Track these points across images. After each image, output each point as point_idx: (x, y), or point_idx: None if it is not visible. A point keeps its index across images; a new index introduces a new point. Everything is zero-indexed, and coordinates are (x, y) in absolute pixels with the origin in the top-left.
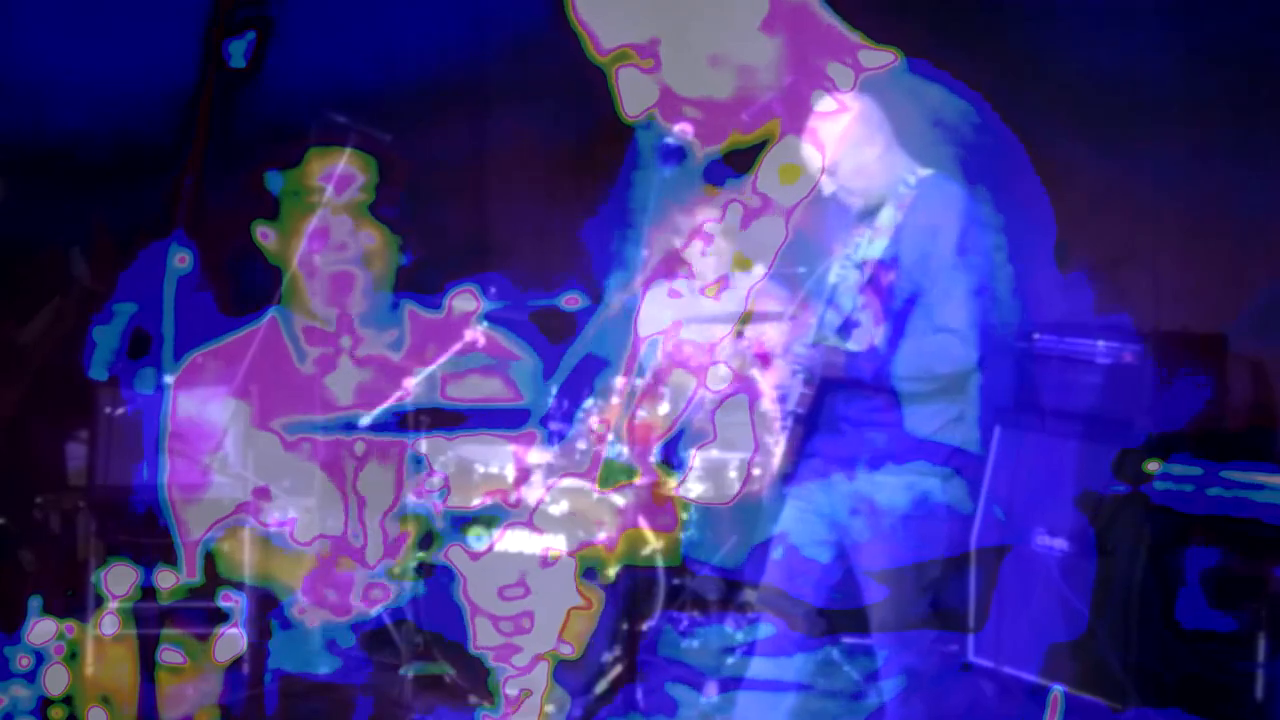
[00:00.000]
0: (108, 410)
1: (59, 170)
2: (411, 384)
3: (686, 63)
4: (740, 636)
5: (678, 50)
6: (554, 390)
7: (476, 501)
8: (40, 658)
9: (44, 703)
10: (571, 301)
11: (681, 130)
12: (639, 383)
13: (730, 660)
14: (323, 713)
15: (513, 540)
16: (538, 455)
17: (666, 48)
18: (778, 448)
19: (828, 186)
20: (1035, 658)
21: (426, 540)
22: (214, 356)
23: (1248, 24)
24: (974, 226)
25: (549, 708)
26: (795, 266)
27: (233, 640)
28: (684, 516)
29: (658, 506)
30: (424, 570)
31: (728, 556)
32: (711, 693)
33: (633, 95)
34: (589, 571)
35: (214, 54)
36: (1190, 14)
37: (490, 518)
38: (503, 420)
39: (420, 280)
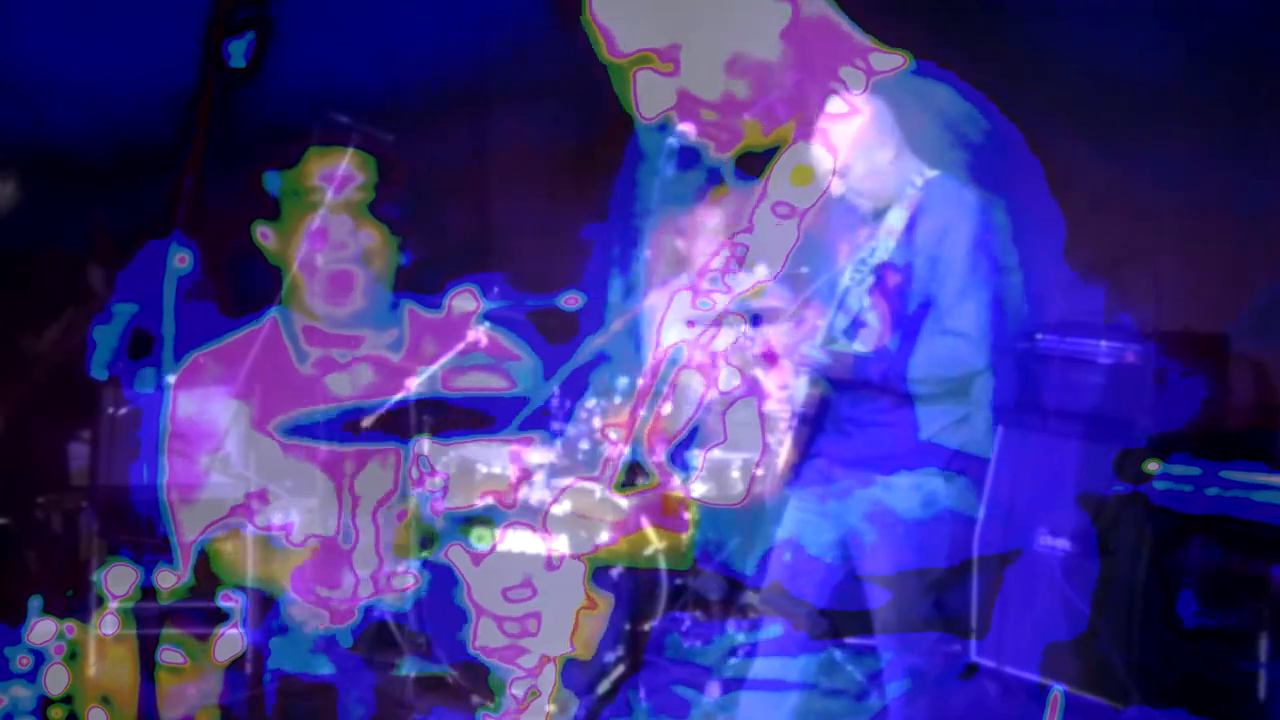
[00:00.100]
0: (109, 410)
1: (59, 170)
2: (414, 383)
3: (706, 67)
4: (744, 637)
5: (698, 55)
6: (556, 390)
7: (474, 502)
8: (40, 658)
9: (44, 703)
10: (571, 301)
11: (685, 130)
12: (659, 389)
13: (734, 660)
14: (323, 713)
15: (517, 541)
16: (540, 455)
17: (687, 52)
18: (783, 448)
19: (838, 188)
20: (1038, 658)
21: (426, 541)
22: (214, 356)
23: (1248, 24)
24: (982, 228)
25: (552, 708)
26: (799, 266)
27: (233, 640)
28: (694, 518)
29: (669, 509)
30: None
31: (733, 557)
32: (714, 693)
33: (650, 98)
34: (598, 574)
35: (214, 54)
36: (1191, 14)
37: (487, 518)
38: (501, 410)
39: (420, 280)
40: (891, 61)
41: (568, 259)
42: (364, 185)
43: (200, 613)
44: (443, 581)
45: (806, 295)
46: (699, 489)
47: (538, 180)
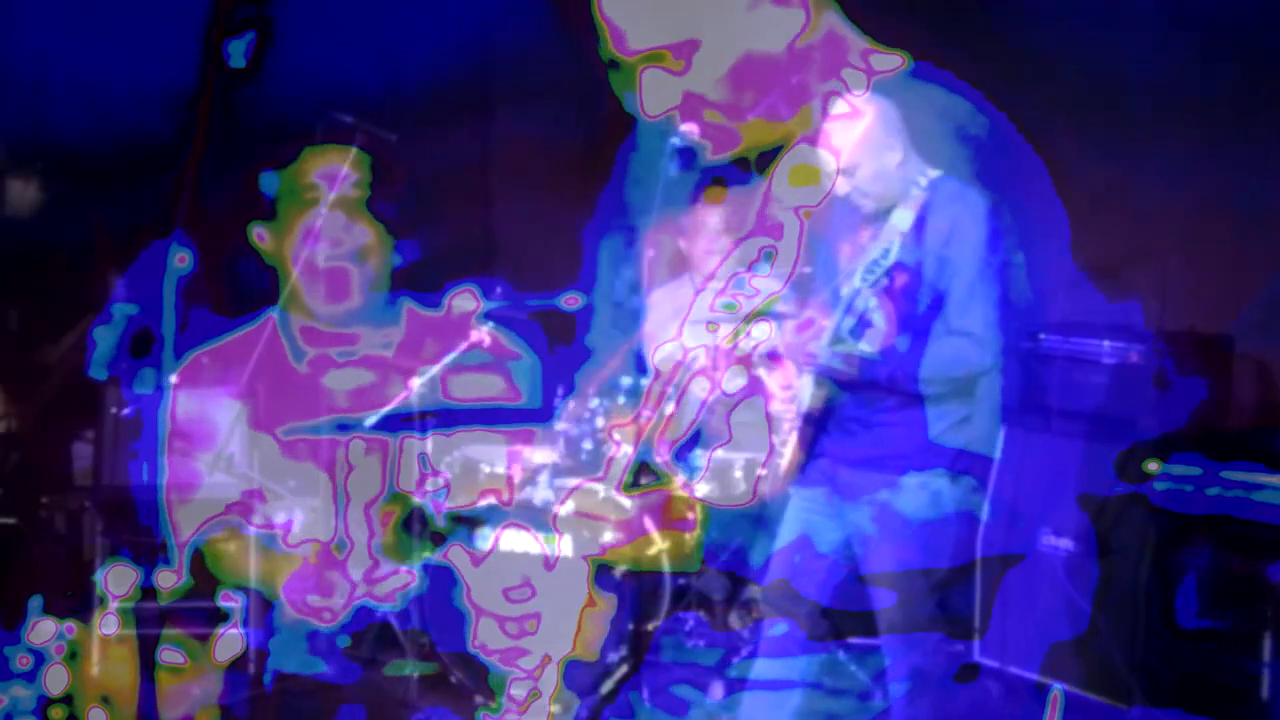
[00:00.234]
0: (112, 410)
1: (59, 170)
2: (416, 383)
3: (714, 67)
4: (747, 636)
5: (707, 55)
6: (561, 391)
7: (468, 502)
8: (40, 658)
9: (44, 703)
10: (571, 301)
11: (689, 130)
12: (671, 394)
13: (737, 660)
14: (323, 713)
15: (517, 541)
16: (543, 455)
17: (701, 52)
18: (789, 448)
19: (843, 187)
20: (1040, 658)
21: (431, 540)
22: (215, 356)
23: (1251, 24)
24: (988, 228)
25: (555, 708)
26: (803, 266)
27: (233, 640)
28: (700, 519)
29: (674, 510)
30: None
31: (738, 557)
32: (718, 693)
33: (655, 96)
34: (601, 575)
35: (214, 54)
36: (1193, 14)
37: (481, 518)
38: (509, 420)
39: (421, 279)
40: (891, 62)
41: (568, 259)
42: (360, 184)
43: (200, 613)
44: (443, 582)
45: (811, 296)
46: (704, 489)
47: (538, 180)
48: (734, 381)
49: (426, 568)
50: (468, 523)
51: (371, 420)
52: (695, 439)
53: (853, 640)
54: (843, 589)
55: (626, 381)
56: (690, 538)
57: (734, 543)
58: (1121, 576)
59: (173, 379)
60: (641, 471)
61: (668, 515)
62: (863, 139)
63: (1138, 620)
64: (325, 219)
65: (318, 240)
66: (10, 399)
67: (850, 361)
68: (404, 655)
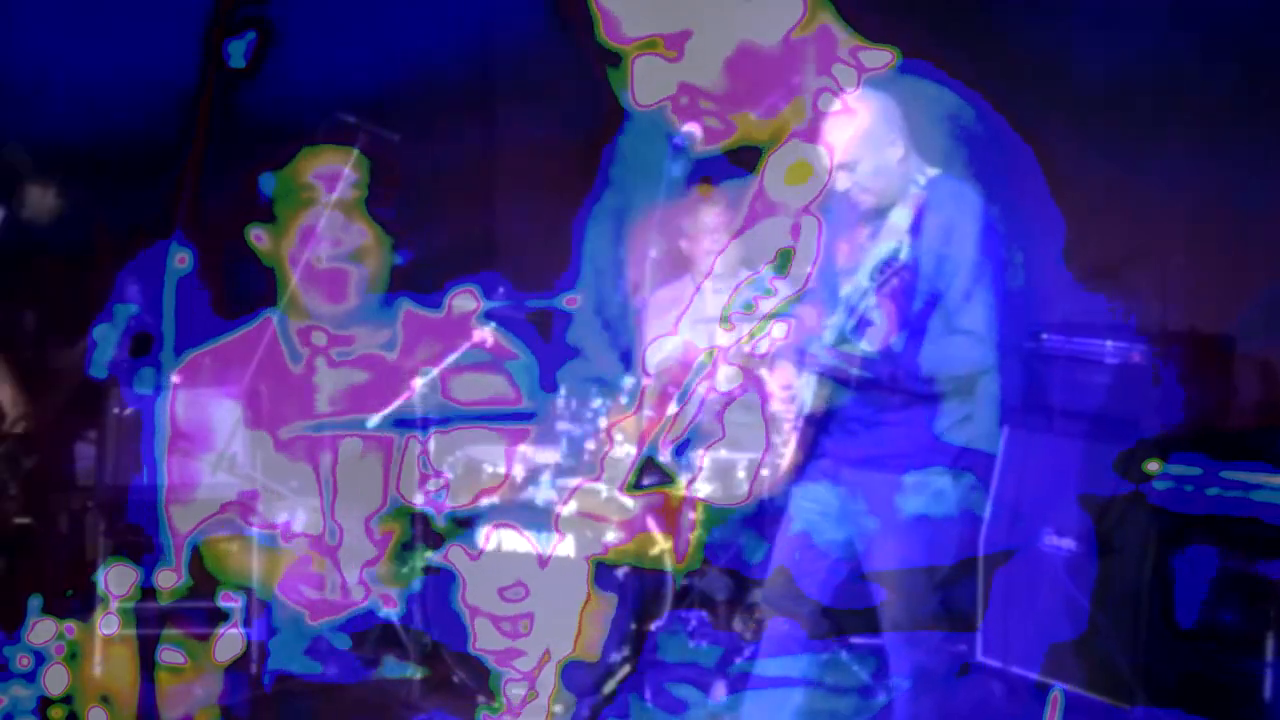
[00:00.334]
0: (114, 411)
1: (59, 171)
2: (419, 384)
3: (708, 58)
4: (749, 636)
5: (701, 44)
6: (562, 391)
7: (469, 501)
8: (40, 658)
9: (44, 703)
10: (572, 302)
11: (691, 130)
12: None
13: (738, 660)
14: (323, 713)
15: (517, 541)
16: (546, 455)
17: (694, 40)
18: (789, 448)
19: (842, 183)
20: (1042, 657)
21: (432, 540)
22: (215, 356)
23: (1252, 23)
24: (987, 227)
25: (556, 708)
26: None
27: (233, 640)
28: (701, 518)
29: (673, 509)
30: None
31: (740, 556)
32: (720, 693)
33: (648, 85)
34: (601, 574)
35: (214, 54)
36: (1194, 13)
37: (471, 519)
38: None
39: (420, 280)
40: (880, 58)
41: (568, 259)
42: (358, 184)
43: (200, 613)
44: (443, 582)
45: (810, 294)
46: (705, 489)
47: (538, 180)
48: (729, 380)
49: (426, 569)
50: (467, 524)
51: (374, 421)
52: (689, 438)
53: (855, 639)
54: (844, 588)
55: (629, 381)
56: (692, 537)
57: (735, 542)
58: (1122, 576)
59: (173, 379)
60: (646, 471)
61: (667, 514)
62: (864, 134)
63: (1138, 620)
64: (323, 220)
65: (316, 241)
66: (27, 400)
67: (852, 361)
68: (406, 655)
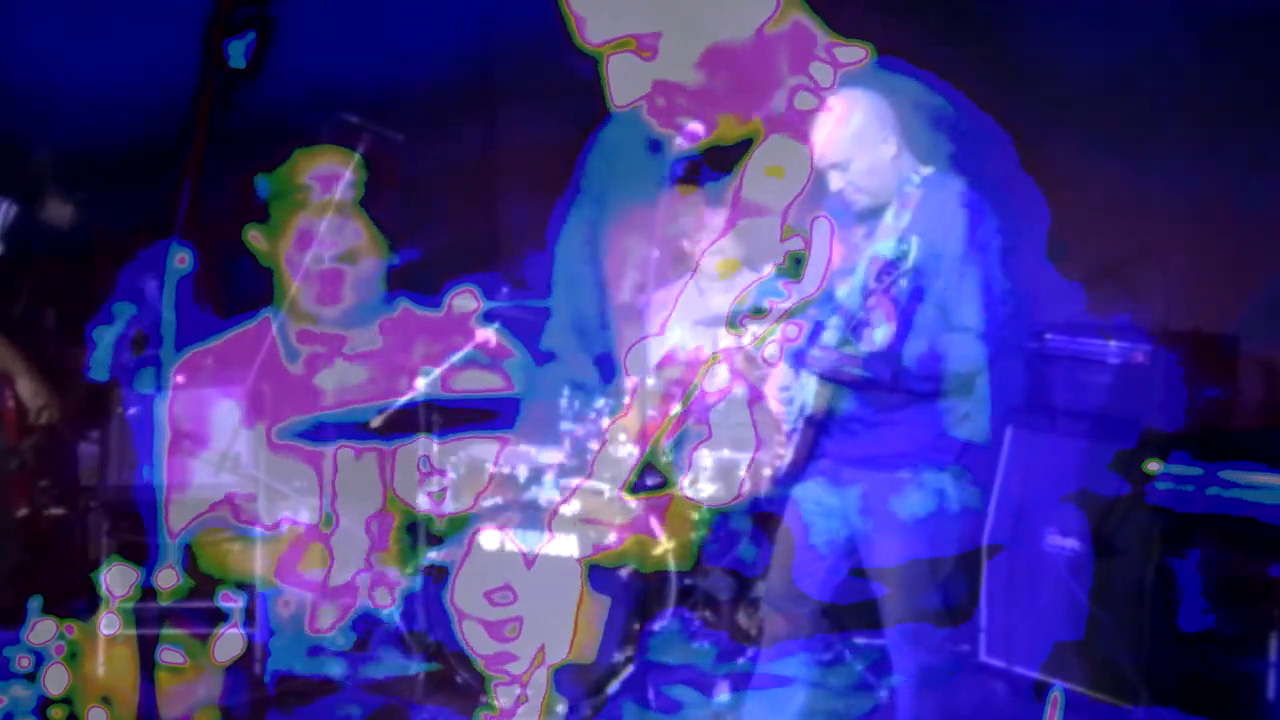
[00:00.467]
0: (116, 410)
1: (59, 171)
2: (422, 383)
3: (683, 56)
4: (751, 636)
5: (676, 43)
6: (566, 391)
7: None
8: (40, 658)
9: (44, 703)
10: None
11: (694, 130)
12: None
13: (740, 660)
14: (323, 713)
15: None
16: (549, 455)
17: (667, 40)
18: (790, 449)
19: (835, 183)
20: (1044, 657)
21: (432, 541)
22: (214, 356)
23: (1252, 23)
24: (983, 224)
25: (561, 709)
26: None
27: (233, 640)
28: (695, 518)
29: (669, 508)
30: (431, 571)
31: (741, 557)
32: (720, 693)
33: (623, 84)
34: (595, 575)
35: (214, 54)
36: (1194, 13)
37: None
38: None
39: (419, 280)
40: (855, 54)
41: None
42: (355, 185)
43: (200, 613)
44: (444, 583)
45: (810, 296)
46: (708, 490)
47: (538, 180)
48: (717, 380)
49: (424, 571)
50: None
51: (376, 421)
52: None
53: (857, 639)
54: (844, 588)
55: (630, 382)
56: (685, 537)
57: (735, 542)
58: (1122, 576)
59: (172, 379)
60: (645, 473)
61: (664, 514)
62: (856, 133)
63: (1140, 620)
64: (319, 221)
65: (313, 242)
66: (48, 392)
67: (852, 361)
68: (408, 655)
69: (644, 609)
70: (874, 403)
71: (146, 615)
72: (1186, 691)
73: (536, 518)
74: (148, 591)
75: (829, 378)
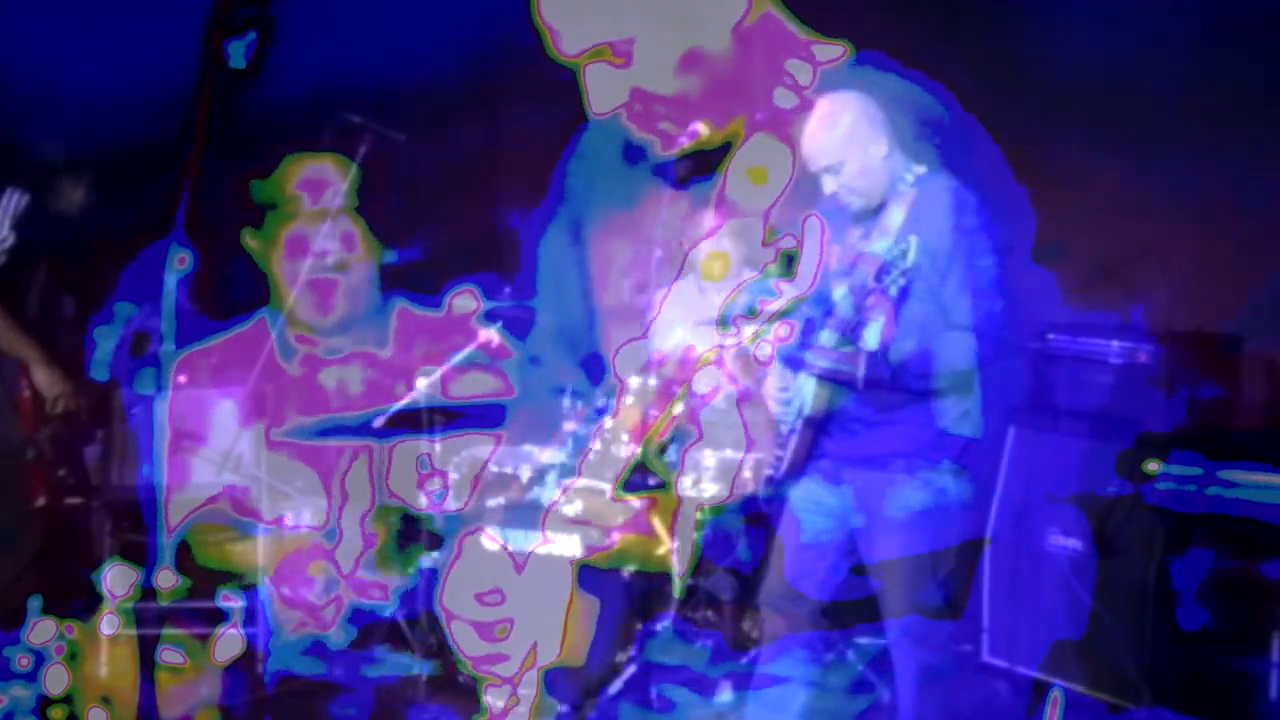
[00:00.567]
0: (118, 410)
1: (59, 171)
2: (423, 383)
3: (658, 63)
4: (753, 636)
5: (650, 50)
6: (569, 391)
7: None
8: (40, 658)
9: (44, 703)
10: None
11: (695, 130)
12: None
13: (741, 660)
14: (325, 713)
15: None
16: (552, 455)
17: (641, 46)
18: (790, 449)
19: (829, 186)
20: (1046, 657)
21: (431, 541)
22: (213, 356)
23: (1253, 23)
24: (978, 223)
25: (547, 711)
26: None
27: (233, 640)
28: (690, 518)
29: (662, 508)
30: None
31: (737, 557)
32: (722, 693)
33: (601, 93)
34: (585, 575)
35: (214, 54)
36: (1195, 12)
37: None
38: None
39: (420, 279)
40: (832, 52)
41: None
42: (349, 191)
43: (200, 613)
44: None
45: (807, 296)
46: (711, 489)
47: (539, 180)
48: (706, 383)
49: (423, 571)
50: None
51: (379, 421)
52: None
53: (859, 640)
54: (844, 588)
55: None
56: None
57: (732, 543)
58: (1123, 576)
59: (172, 379)
60: (639, 472)
61: (658, 513)
62: (846, 135)
63: (1141, 620)
64: (312, 229)
65: (306, 251)
66: (65, 380)
67: (852, 361)
68: (410, 655)
69: (639, 609)
70: (873, 403)
71: (146, 615)
72: (1187, 691)
73: (530, 518)
74: (148, 591)
75: (828, 378)
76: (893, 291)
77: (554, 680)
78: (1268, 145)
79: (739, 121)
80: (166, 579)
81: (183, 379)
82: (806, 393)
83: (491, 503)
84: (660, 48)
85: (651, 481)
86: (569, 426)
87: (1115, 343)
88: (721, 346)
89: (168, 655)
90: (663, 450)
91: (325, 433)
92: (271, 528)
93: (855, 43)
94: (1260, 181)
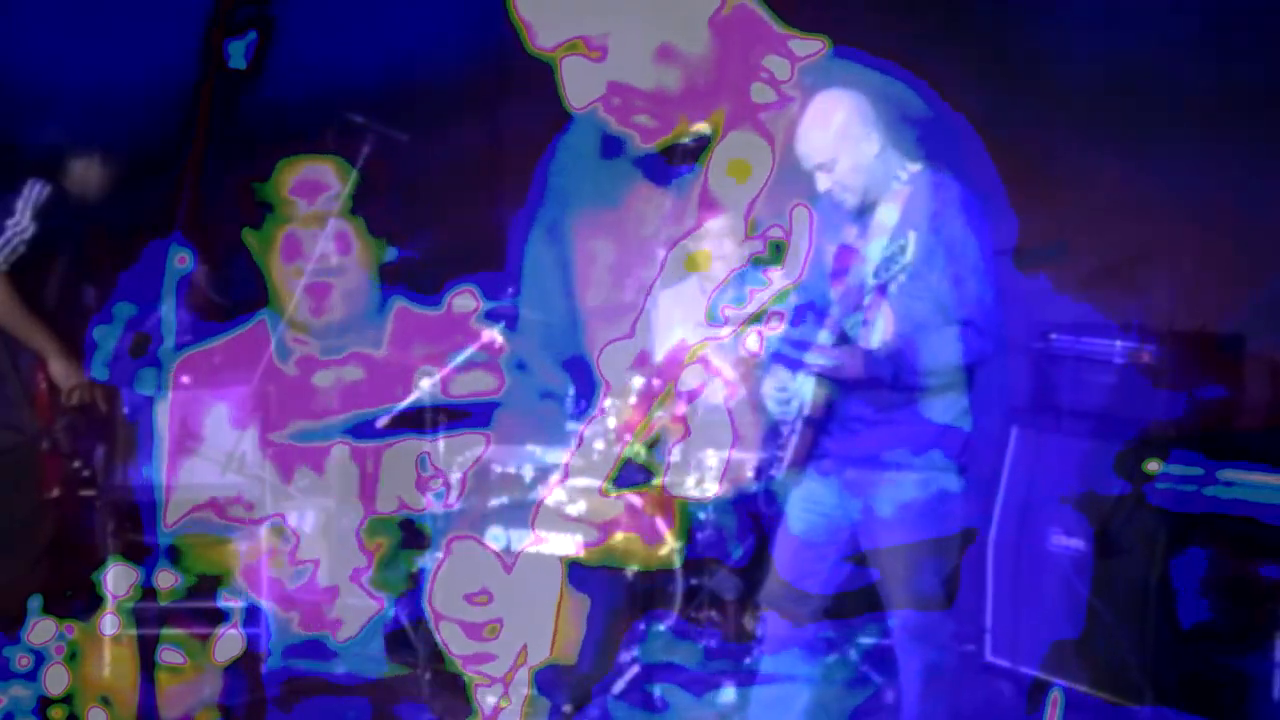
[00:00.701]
0: (119, 410)
1: (59, 171)
2: (426, 383)
3: (634, 57)
4: (755, 635)
5: (626, 44)
6: (571, 390)
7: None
8: (40, 658)
9: (44, 703)
10: None
11: (697, 130)
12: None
13: (744, 660)
14: (323, 713)
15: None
16: (554, 455)
17: (615, 40)
18: (790, 448)
19: (823, 184)
20: (1048, 656)
21: (424, 542)
22: (213, 357)
23: (1253, 23)
24: (974, 218)
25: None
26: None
27: (233, 640)
28: (682, 514)
29: (653, 504)
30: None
31: (731, 555)
32: (724, 693)
33: (577, 87)
34: (574, 573)
35: (214, 54)
36: (1195, 12)
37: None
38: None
39: (420, 279)
40: (811, 46)
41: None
42: (346, 193)
43: (200, 613)
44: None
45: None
46: (712, 488)
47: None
48: (692, 380)
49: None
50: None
51: (382, 421)
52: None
53: (862, 639)
54: (845, 587)
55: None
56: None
57: (727, 540)
58: (1124, 576)
59: (172, 379)
60: (628, 469)
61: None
62: (838, 133)
63: (1143, 620)
64: (309, 232)
65: (305, 249)
66: (79, 372)
67: (851, 360)
68: (413, 655)
69: (633, 607)
70: (873, 401)
71: (146, 615)
72: (1188, 691)
73: (520, 517)
74: (148, 591)
75: (827, 377)
76: (891, 289)
77: (545, 679)
78: (1268, 145)
79: (718, 114)
80: (167, 579)
81: (186, 379)
82: (806, 392)
83: (481, 502)
84: (635, 40)
85: (640, 478)
86: (559, 425)
87: (1117, 343)
88: (710, 340)
89: (168, 655)
90: (651, 446)
91: (324, 434)
92: (242, 525)
93: (833, 37)
94: (1260, 181)
